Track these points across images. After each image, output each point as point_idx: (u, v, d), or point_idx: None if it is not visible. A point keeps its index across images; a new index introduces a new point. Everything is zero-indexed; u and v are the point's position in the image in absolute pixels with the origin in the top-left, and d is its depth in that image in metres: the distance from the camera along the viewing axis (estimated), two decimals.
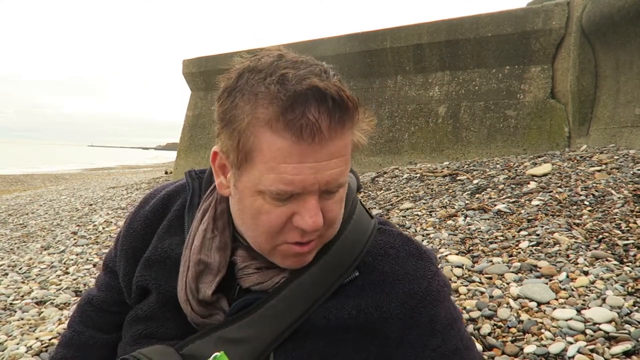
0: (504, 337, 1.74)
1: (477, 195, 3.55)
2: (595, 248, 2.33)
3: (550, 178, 3.50)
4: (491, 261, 2.36)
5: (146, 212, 0.90)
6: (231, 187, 0.73)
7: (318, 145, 0.63)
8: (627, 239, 2.36)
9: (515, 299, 1.96)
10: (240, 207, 0.73)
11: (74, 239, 4.94)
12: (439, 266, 2.40)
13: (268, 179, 0.65)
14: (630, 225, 2.49)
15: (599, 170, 3.47)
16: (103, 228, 5.40)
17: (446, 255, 2.49)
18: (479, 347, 1.70)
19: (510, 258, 2.38)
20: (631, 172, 3.27)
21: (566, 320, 1.75)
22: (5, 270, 3.93)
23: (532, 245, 2.46)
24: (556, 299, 1.92)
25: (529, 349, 1.62)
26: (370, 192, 4.49)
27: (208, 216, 0.80)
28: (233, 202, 0.76)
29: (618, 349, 1.54)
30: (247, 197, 0.69)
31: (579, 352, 1.56)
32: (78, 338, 0.95)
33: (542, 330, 1.72)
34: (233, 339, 0.73)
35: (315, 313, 0.75)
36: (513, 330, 1.77)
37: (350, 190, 0.84)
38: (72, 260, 4.10)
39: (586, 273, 2.09)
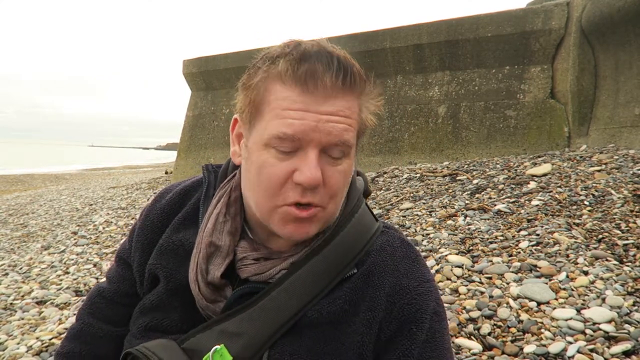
0: (503, 336, 1.75)
1: (477, 195, 3.55)
2: (595, 248, 2.34)
3: (550, 178, 3.50)
4: (491, 261, 2.36)
5: (163, 205, 0.91)
6: (243, 150, 0.77)
7: (321, 98, 0.69)
8: (627, 239, 2.36)
9: (515, 299, 1.96)
10: (247, 167, 0.76)
11: (74, 239, 4.95)
12: (439, 266, 2.41)
13: (272, 125, 0.70)
14: (630, 225, 2.50)
15: (598, 170, 3.47)
16: (103, 228, 5.41)
17: (446, 255, 2.49)
18: (478, 347, 1.70)
19: (510, 258, 2.38)
20: (631, 172, 3.28)
21: (566, 320, 1.75)
22: (5, 270, 3.93)
23: (532, 245, 2.46)
24: (556, 299, 1.92)
25: (529, 348, 1.63)
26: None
27: (222, 202, 0.83)
28: (243, 169, 0.79)
29: (618, 348, 1.55)
30: (255, 153, 0.73)
31: (578, 351, 1.57)
32: (88, 330, 0.95)
33: (542, 330, 1.72)
34: (233, 332, 0.74)
35: (311, 308, 0.76)
36: (513, 330, 1.77)
37: (356, 189, 0.85)
38: (73, 260, 4.10)
39: (586, 273, 2.10)
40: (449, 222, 3.09)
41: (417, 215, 3.40)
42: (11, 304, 3.04)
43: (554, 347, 1.61)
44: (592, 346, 1.59)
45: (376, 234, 0.82)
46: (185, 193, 0.92)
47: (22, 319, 2.75)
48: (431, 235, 2.90)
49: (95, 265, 3.87)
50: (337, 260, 0.77)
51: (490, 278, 2.21)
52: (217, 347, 0.72)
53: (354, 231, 0.80)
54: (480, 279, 2.21)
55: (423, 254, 2.62)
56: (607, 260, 2.20)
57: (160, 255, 0.85)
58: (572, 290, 1.97)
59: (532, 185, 3.42)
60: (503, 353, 1.65)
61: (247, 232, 0.82)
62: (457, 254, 2.52)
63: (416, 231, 3.06)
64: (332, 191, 0.73)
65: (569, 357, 1.56)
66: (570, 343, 1.63)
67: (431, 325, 0.77)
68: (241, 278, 0.79)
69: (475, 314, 1.90)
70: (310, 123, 0.68)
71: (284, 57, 0.70)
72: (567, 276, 2.08)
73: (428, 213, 3.38)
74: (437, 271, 2.34)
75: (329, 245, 0.77)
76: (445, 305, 2.01)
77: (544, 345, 1.63)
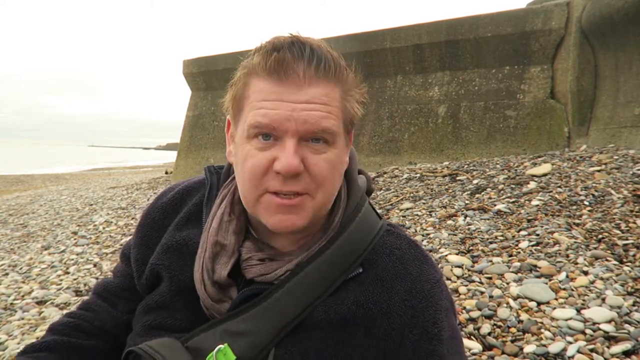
0: (503, 336, 1.75)
1: (477, 195, 3.55)
2: (595, 248, 2.34)
3: (550, 178, 3.50)
4: (491, 261, 2.36)
5: (164, 203, 0.93)
6: (233, 147, 0.79)
7: (294, 87, 0.69)
8: (627, 239, 2.36)
9: (515, 299, 1.96)
10: (236, 161, 0.78)
11: (75, 239, 4.95)
12: (439, 266, 2.40)
13: (250, 116, 0.71)
14: (630, 225, 2.50)
15: (598, 171, 3.47)
16: (103, 228, 5.41)
17: (446, 255, 2.49)
18: (478, 346, 1.70)
19: (510, 258, 2.38)
20: (631, 172, 3.28)
21: (566, 320, 1.75)
22: (5, 270, 3.93)
23: (532, 245, 2.46)
24: (556, 299, 1.93)
25: (529, 348, 1.63)
26: None
27: (226, 201, 0.84)
28: (234, 163, 0.80)
29: (617, 348, 1.55)
30: (240, 147, 0.75)
31: (578, 351, 1.57)
32: (95, 307, 0.98)
33: (542, 330, 1.72)
34: (237, 332, 0.74)
35: (316, 308, 0.75)
36: (513, 330, 1.77)
37: (358, 188, 0.86)
38: (73, 260, 4.10)
39: (586, 273, 2.10)
40: (449, 222, 3.09)
41: (417, 215, 3.39)
42: (11, 304, 3.04)
43: (554, 347, 1.61)
44: (592, 346, 1.59)
45: (380, 232, 0.82)
46: (187, 192, 0.93)
47: (22, 319, 2.76)
48: (431, 235, 2.90)
49: (95, 265, 3.87)
50: (342, 260, 0.77)
51: (490, 278, 2.21)
52: (221, 346, 0.72)
53: (358, 230, 0.79)
54: (480, 279, 2.21)
55: None
56: (607, 260, 2.20)
57: (164, 254, 0.85)
58: (572, 290, 1.98)
59: (532, 185, 3.42)
60: (503, 353, 1.65)
61: (251, 231, 0.83)
62: (457, 254, 2.52)
63: (416, 231, 3.06)
64: (317, 180, 0.73)
65: (569, 357, 1.56)
66: (570, 343, 1.63)
67: (450, 325, 0.78)
68: (247, 279, 0.79)
69: (475, 314, 1.90)
70: (284, 112, 0.69)
71: (258, 52, 0.72)
72: (567, 276, 2.08)
73: (428, 213, 3.38)
74: None
75: (334, 245, 0.77)
76: None
77: (544, 345, 1.63)
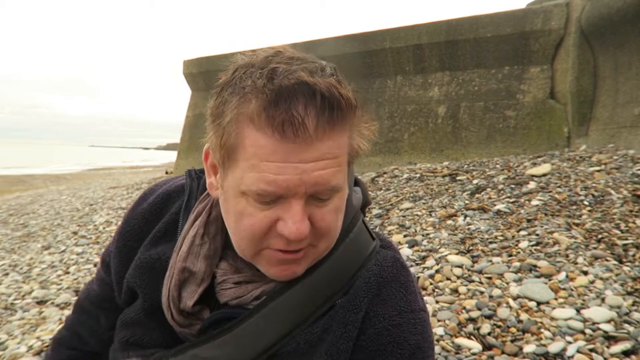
0: (503, 336, 1.75)
1: (476, 195, 3.56)
2: (595, 248, 2.34)
3: (550, 178, 3.50)
4: (491, 261, 2.37)
5: (144, 210, 0.86)
6: (219, 188, 0.69)
7: (304, 145, 0.59)
8: (626, 239, 2.37)
9: (514, 299, 1.97)
10: (226, 209, 0.69)
11: (75, 239, 4.95)
12: (439, 266, 2.41)
13: (249, 178, 0.61)
14: (630, 225, 2.50)
15: (598, 171, 3.48)
16: (104, 228, 5.41)
17: (446, 255, 2.50)
18: (478, 346, 1.71)
19: (509, 258, 2.38)
20: (630, 172, 3.28)
21: (565, 320, 1.76)
22: (6, 270, 3.94)
23: (532, 245, 2.46)
24: (555, 299, 1.93)
25: (529, 348, 1.63)
26: (370, 192, 4.50)
27: (200, 220, 0.76)
28: (221, 204, 0.71)
29: (617, 348, 1.55)
30: (232, 198, 0.65)
31: (578, 351, 1.57)
32: (77, 327, 0.97)
33: (542, 330, 1.73)
34: (206, 359, 0.70)
35: (293, 338, 0.70)
36: (512, 329, 1.77)
37: (352, 205, 0.77)
38: (73, 260, 4.11)
39: (585, 273, 2.10)
40: (449, 222, 3.09)
41: (417, 215, 3.40)
42: (12, 303, 3.04)
43: (554, 347, 1.61)
44: (591, 346, 1.59)
45: (371, 255, 0.75)
46: (168, 198, 0.86)
47: (23, 318, 2.76)
48: (431, 235, 2.90)
49: (95, 265, 3.88)
50: (326, 286, 0.71)
51: (490, 278, 2.21)
52: None
53: (347, 254, 0.73)
54: (480, 279, 2.22)
55: (423, 254, 2.63)
56: (606, 260, 2.20)
57: (137, 270, 0.80)
58: (572, 290, 1.98)
59: (532, 185, 3.43)
60: (503, 353, 1.66)
61: (229, 248, 0.75)
62: (457, 254, 2.52)
63: (416, 231, 3.06)
64: (322, 232, 0.66)
65: (568, 357, 1.57)
66: (570, 343, 1.63)
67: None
68: (220, 302, 0.74)
69: (475, 313, 1.90)
70: (293, 177, 0.60)
71: (255, 95, 0.59)
72: (567, 276, 2.09)
73: (428, 213, 3.38)
74: (437, 271, 2.35)
75: (318, 269, 0.71)
76: (445, 305, 2.01)
77: (544, 345, 1.64)
